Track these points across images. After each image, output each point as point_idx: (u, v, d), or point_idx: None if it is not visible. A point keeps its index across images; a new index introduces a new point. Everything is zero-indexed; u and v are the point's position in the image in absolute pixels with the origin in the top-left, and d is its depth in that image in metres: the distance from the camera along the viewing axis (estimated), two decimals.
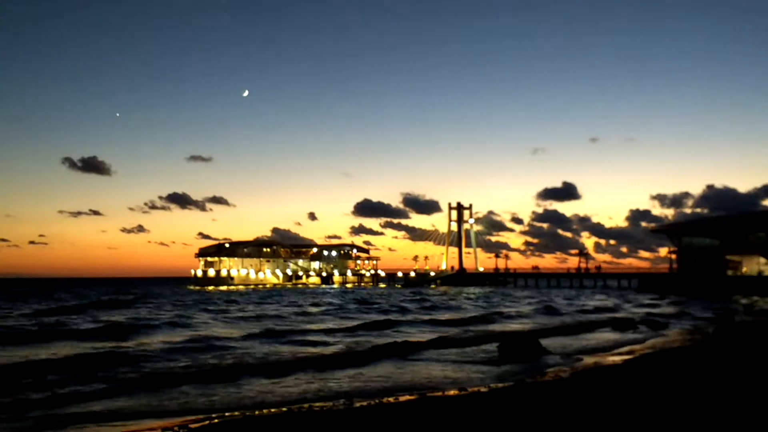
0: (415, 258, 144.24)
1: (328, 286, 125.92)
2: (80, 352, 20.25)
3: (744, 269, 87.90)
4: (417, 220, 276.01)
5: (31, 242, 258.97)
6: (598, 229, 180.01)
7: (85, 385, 14.67)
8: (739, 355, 16.69)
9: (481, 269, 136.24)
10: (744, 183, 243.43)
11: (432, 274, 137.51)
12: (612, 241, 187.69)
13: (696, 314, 40.33)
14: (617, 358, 19.45)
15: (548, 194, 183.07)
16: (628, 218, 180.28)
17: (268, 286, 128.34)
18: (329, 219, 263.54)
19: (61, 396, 13.49)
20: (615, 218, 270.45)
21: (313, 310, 45.63)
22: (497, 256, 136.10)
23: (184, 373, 16.48)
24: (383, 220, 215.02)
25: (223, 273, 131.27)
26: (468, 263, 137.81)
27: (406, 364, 18.48)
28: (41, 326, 30.42)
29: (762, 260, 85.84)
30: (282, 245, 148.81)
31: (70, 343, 23.26)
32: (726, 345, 19.81)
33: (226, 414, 11.56)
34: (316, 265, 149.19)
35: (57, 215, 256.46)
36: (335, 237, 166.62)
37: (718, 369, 14.16)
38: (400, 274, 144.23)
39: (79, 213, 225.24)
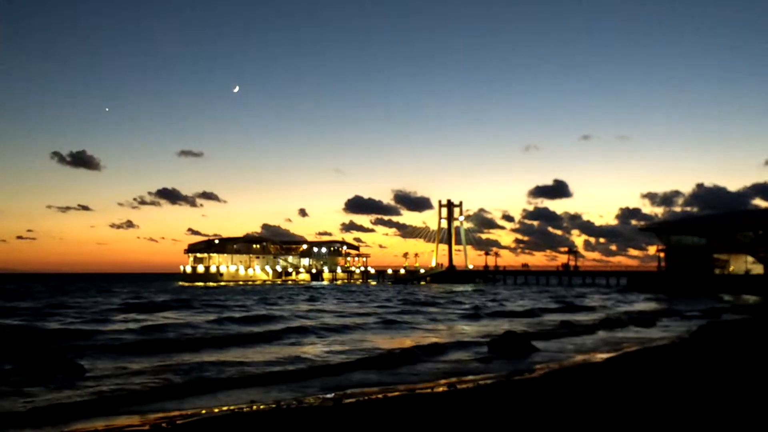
0: (405, 255, 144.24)
1: (317, 283, 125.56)
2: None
3: (731, 268, 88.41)
4: (408, 217, 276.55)
5: (19, 237, 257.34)
6: (588, 227, 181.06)
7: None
8: (723, 351, 16.68)
9: (470, 267, 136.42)
10: (733, 182, 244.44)
11: (422, 271, 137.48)
12: (602, 239, 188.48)
13: (683, 312, 40.48)
14: (604, 355, 19.40)
15: (539, 192, 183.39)
16: (618, 216, 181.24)
17: (257, 282, 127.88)
18: (320, 215, 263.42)
19: None
20: (605, 216, 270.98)
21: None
22: (487, 253, 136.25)
23: None
24: (374, 216, 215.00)
25: (212, 269, 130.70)
26: (458, 261, 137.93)
27: None
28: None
29: (749, 259, 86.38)
30: (272, 241, 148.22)
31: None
32: (711, 342, 19.82)
33: None
34: (306, 261, 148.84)
35: (45, 210, 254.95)
36: (326, 233, 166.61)
37: (702, 365, 14.12)
38: (390, 271, 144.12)
39: (68, 208, 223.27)
